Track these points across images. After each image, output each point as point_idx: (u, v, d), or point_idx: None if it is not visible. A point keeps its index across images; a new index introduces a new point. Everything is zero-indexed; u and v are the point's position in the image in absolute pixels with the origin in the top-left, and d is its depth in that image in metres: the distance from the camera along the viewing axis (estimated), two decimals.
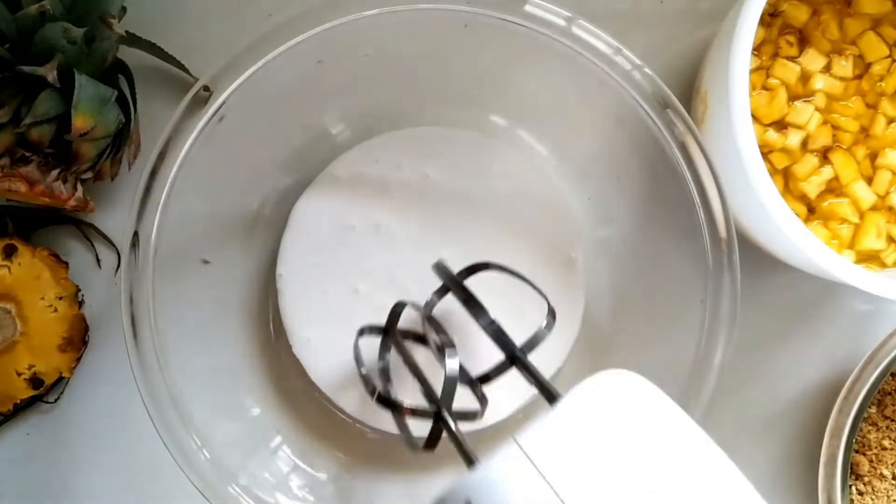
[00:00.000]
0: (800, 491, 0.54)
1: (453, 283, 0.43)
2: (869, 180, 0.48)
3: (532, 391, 0.48)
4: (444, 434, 0.40)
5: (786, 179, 0.48)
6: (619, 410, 0.33)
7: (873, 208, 0.48)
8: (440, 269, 0.45)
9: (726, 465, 0.32)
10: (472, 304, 0.41)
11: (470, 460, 0.37)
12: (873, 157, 0.48)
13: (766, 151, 0.47)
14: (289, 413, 0.51)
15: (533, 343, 0.41)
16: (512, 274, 0.45)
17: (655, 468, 0.31)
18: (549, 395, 0.37)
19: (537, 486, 0.31)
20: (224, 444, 0.45)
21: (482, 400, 0.44)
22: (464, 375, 0.44)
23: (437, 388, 0.42)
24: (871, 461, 0.50)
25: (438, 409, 0.40)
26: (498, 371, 0.42)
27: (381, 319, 0.47)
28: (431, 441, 0.41)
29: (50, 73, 0.44)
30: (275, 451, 0.50)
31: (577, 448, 0.32)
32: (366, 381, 0.46)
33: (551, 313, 0.42)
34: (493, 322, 0.41)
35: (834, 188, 0.48)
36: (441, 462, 0.47)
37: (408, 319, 0.48)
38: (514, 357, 0.40)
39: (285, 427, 0.50)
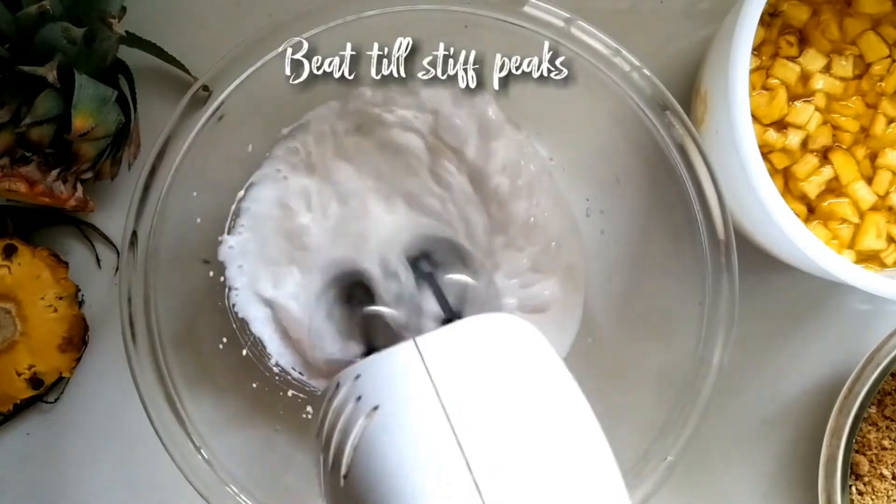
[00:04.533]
0: (800, 491, 0.54)
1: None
2: (869, 180, 0.48)
3: None
4: None
5: (786, 179, 0.48)
6: (503, 340, 0.38)
7: (873, 208, 0.48)
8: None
9: (578, 399, 0.37)
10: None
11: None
12: (873, 157, 0.48)
13: (766, 151, 0.47)
14: (288, 412, 0.51)
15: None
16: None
17: (518, 387, 0.36)
18: (451, 315, 0.42)
19: (419, 373, 0.36)
20: (222, 443, 0.45)
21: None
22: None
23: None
24: (871, 461, 0.50)
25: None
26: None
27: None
28: None
29: (50, 73, 0.44)
30: (273, 449, 0.50)
31: (461, 357, 0.37)
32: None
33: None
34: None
35: (834, 188, 0.48)
36: None
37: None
38: (431, 275, 0.45)
39: (285, 427, 0.51)
